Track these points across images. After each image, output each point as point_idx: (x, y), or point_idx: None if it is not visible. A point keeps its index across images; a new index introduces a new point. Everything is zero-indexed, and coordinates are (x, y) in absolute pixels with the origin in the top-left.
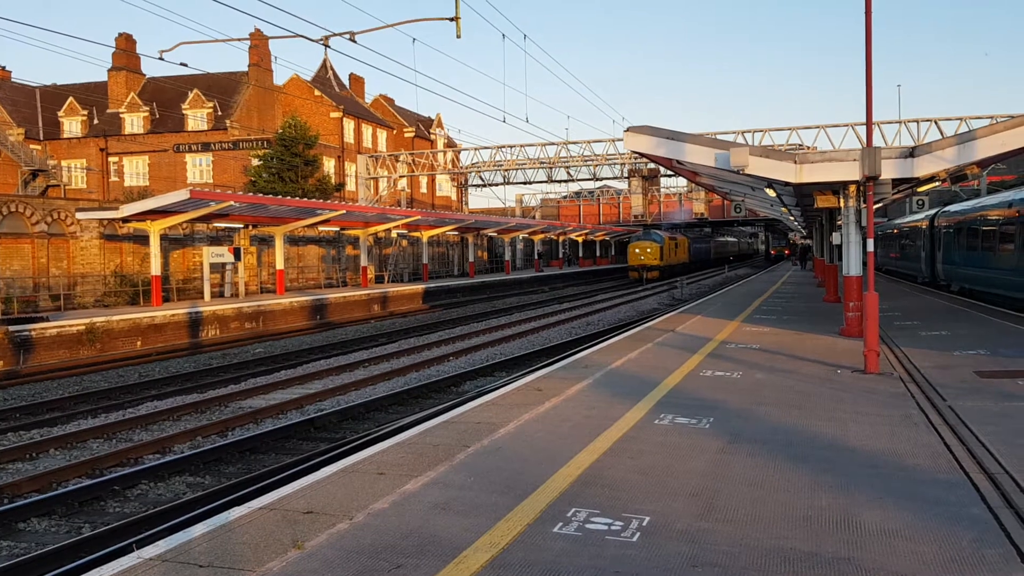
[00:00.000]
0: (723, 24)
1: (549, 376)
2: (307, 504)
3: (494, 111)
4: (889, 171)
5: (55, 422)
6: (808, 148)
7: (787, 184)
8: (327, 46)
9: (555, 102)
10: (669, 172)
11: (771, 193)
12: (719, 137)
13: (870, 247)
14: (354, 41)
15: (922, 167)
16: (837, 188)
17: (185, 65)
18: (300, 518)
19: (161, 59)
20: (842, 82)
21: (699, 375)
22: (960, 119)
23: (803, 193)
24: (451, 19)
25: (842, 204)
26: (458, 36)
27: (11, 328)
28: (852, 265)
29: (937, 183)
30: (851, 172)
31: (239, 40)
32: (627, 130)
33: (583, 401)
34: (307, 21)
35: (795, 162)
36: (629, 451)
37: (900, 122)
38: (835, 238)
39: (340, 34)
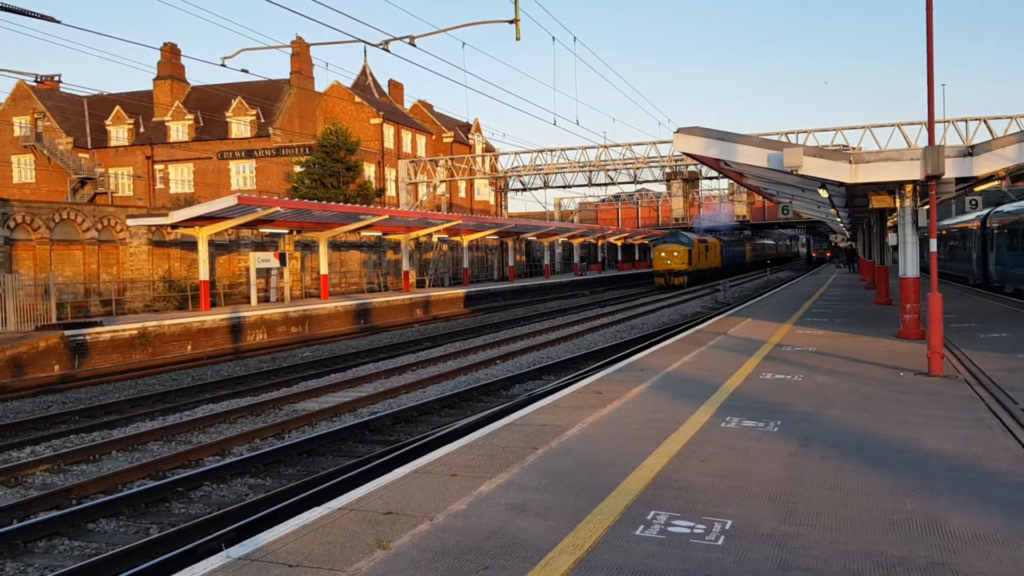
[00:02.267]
0: (766, 24)
1: (607, 379)
2: (385, 505)
3: (545, 114)
4: (948, 170)
5: (114, 424)
6: (853, 148)
7: (841, 184)
8: (387, 50)
9: (601, 104)
10: (711, 175)
11: (823, 194)
12: (763, 138)
13: (933, 247)
14: (414, 45)
15: (982, 166)
16: (893, 188)
17: (246, 71)
18: (380, 519)
19: (223, 65)
20: (887, 82)
21: (759, 378)
22: (1011, 118)
23: (856, 194)
24: (510, 22)
25: (898, 204)
26: (517, 39)
27: (67, 333)
28: (909, 266)
29: (996, 182)
30: (909, 172)
31: (286, 47)
32: (677, 131)
33: (645, 404)
34: (368, 25)
35: (850, 162)
36: (699, 454)
37: (947, 121)
38: (891, 239)
39: (400, 38)
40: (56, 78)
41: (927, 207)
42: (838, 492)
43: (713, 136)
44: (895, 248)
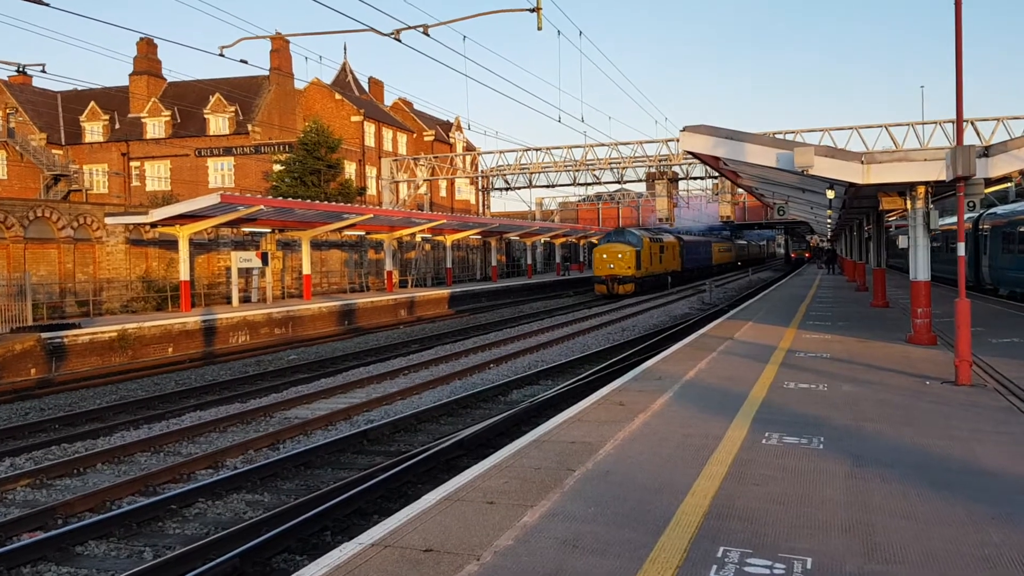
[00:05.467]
0: (755, 25)
1: (625, 389)
2: (423, 540)
3: (549, 109)
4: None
5: (97, 434)
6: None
7: (851, 185)
8: (398, 40)
9: (593, 99)
10: (695, 175)
11: (830, 195)
12: (773, 137)
13: (961, 251)
14: (427, 35)
15: (997, 167)
16: (904, 189)
17: (245, 62)
18: (421, 557)
19: (222, 55)
20: (871, 84)
21: (783, 387)
22: (997, 119)
23: (862, 195)
24: (531, 10)
25: (909, 206)
26: (539, 28)
27: (44, 335)
28: (920, 270)
29: (1010, 183)
30: (924, 172)
31: (299, 35)
32: (684, 129)
33: (673, 417)
34: (380, 11)
35: (862, 162)
36: (751, 477)
37: (936, 123)
38: (902, 241)
39: (413, 27)
40: (40, 68)
41: (936, 209)
42: (914, 521)
43: (722, 135)
44: (902, 250)
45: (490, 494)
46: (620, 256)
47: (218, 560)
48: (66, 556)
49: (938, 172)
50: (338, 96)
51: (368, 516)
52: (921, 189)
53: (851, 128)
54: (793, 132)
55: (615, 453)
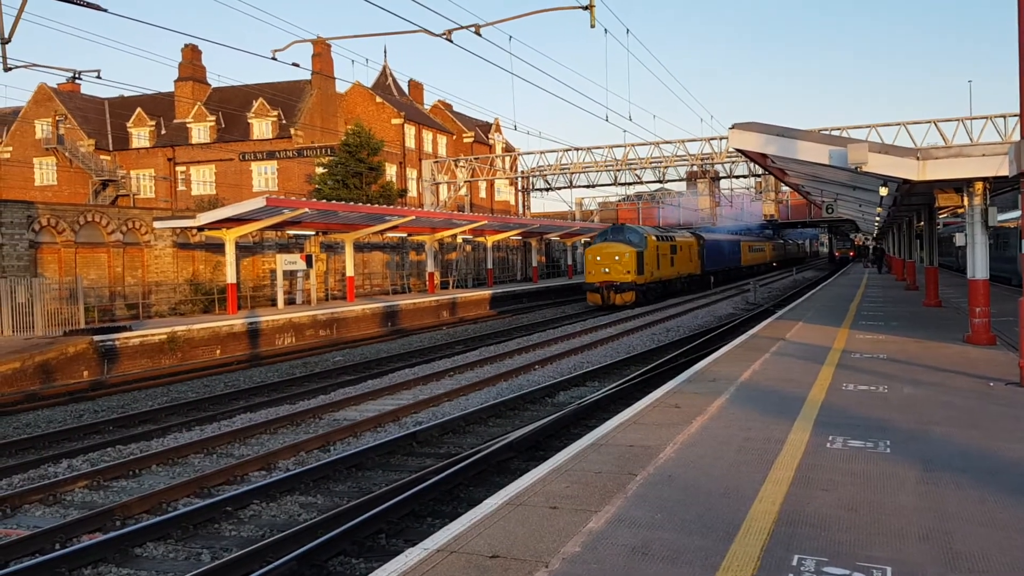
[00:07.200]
0: (790, 22)
1: (679, 391)
2: (488, 546)
3: (598, 109)
4: None
5: (151, 435)
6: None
7: (905, 182)
8: (450, 40)
9: (645, 99)
10: (738, 173)
11: (883, 191)
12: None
13: None
14: (479, 34)
15: None
16: (961, 186)
17: (297, 65)
18: (488, 564)
19: (274, 59)
20: (916, 80)
21: (842, 389)
22: None
23: (915, 192)
24: (584, 7)
25: (966, 203)
26: (592, 25)
27: (96, 338)
28: (978, 268)
29: None
30: (983, 168)
31: (349, 37)
32: (733, 127)
33: (732, 420)
34: (432, 10)
35: (917, 158)
36: (818, 482)
37: (987, 118)
38: (958, 239)
39: (465, 27)
40: (96, 74)
41: (994, 206)
42: (994, 529)
43: (773, 132)
44: (957, 248)
45: (552, 498)
46: (617, 258)
47: (276, 563)
48: (126, 557)
49: (998, 167)
50: (379, 99)
51: (422, 519)
52: (979, 185)
53: (898, 124)
54: (839, 128)
55: (676, 457)
